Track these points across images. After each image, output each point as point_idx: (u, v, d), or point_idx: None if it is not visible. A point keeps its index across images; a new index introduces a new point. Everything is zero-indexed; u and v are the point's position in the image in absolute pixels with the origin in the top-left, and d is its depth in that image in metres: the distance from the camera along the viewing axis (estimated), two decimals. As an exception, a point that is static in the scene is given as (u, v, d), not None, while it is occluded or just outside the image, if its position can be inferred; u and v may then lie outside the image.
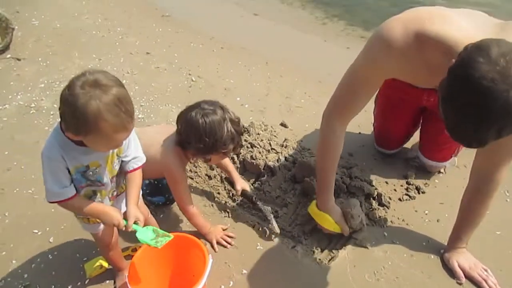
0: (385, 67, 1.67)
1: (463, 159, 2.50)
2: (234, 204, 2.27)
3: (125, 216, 1.51)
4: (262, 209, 2.11)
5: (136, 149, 1.58)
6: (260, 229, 2.10)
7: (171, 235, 1.58)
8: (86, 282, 1.85)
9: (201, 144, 1.80)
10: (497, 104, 1.14)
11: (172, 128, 1.95)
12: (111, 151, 1.45)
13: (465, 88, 1.19)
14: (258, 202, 2.13)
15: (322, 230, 2.05)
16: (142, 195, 1.99)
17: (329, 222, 1.98)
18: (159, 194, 2.16)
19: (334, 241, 2.07)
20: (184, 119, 1.84)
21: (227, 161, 2.23)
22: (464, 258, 1.91)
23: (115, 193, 1.61)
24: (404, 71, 1.67)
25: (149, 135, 1.95)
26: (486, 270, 1.89)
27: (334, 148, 1.93)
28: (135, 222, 1.49)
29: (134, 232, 1.50)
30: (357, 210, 2.01)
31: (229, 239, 2.03)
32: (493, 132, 1.21)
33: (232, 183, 2.27)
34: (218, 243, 2.02)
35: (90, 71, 1.26)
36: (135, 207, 1.53)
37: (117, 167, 1.52)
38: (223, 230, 2.08)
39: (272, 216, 2.09)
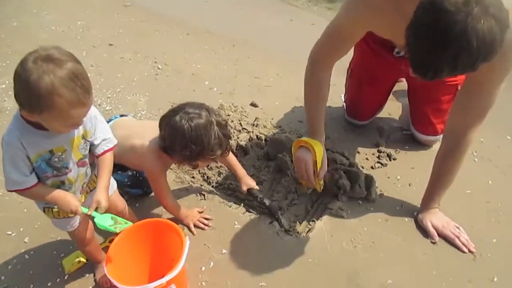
0: (362, 21, 1.70)
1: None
2: (209, 186, 2.27)
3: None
4: (270, 207, 2.06)
5: (105, 131, 1.52)
6: (231, 206, 2.12)
7: (129, 222, 1.58)
8: (66, 278, 1.82)
9: (187, 151, 1.71)
10: (454, 28, 1.13)
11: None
12: (76, 133, 1.40)
13: (428, 11, 1.19)
14: (265, 201, 2.07)
15: (298, 169, 1.96)
16: (121, 186, 2.01)
17: (320, 150, 1.89)
18: (138, 187, 2.13)
19: (311, 213, 2.10)
20: (168, 124, 1.73)
21: (231, 158, 2.09)
22: (437, 218, 1.96)
23: (85, 185, 1.57)
24: (381, 25, 1.71)
25: (135, 127, 1.95)
26: (458, 228, 1.95)
27: (320, 92, 1.94)
28: (96, 209, 1.45)
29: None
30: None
31: (206, 221, 2.03)
32: (448, 59, 1.19)
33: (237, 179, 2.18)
34: (195, 226, 2.01)
35: (43, 47, 1.19)
36: (102, 191, 1.48)
37: (83, 151, 1.46)
38: (200, 213, 2.08)
39: (279, 213, 2.05)
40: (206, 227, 2.02)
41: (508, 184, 2.27)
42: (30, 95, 1.15)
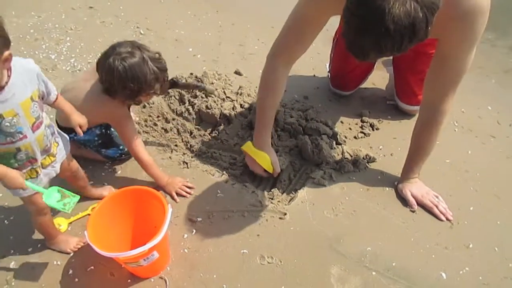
0: (325, 5, 1.66)
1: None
2: (193, 155, 2.26)
3: None
4: (188, 84, 2.21)
5: (51, 85, 1.53)
6: (214, 175, 2.11)
7: (77, 196, 1.56)
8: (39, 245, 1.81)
9: (127, 90, 1.77)
10: (373, 14, 1.16)
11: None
12: (23, 96, 1.35)
13: None
14: (178, 80, 2.19)
15: (252, 168, 2.08)
16: (95, 147, 2.06)
17: (265, 160, 2.00)
18: (113, 145, 2.11)
19: (293, 182, 2.12)
20: (103, 68, 1.76)
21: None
22: (416, 187, 2.00)
23: (47, 146, 1.54)
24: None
25: (80, 85, 1.90)
26: (437, 197, 1.99)
27: (275, 88, 1.93)
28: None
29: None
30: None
31: (188, 189, 2.03)
32: (370, 42, 1.23)
33: None
34: (178, 194, 2.01)
35: None
36: (74, 114, 1.65)
37: (35, 114, 1.42)
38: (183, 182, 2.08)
39: (200, 83, 2.18)
40: (188, 195, 2.02)
41: (487, 154, 2.32)
42: None
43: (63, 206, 1.50)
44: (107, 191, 2.01)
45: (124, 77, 1.72)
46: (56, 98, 1.58)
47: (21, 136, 1.39)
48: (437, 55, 1.72)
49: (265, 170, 2.04)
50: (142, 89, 1.79)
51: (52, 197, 1.51)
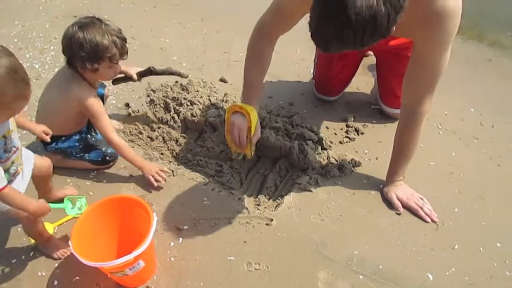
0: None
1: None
2: (178, 163, 2.26)
3: None
4: (164, 70, 2.32)
5: None
6: (200, 182, 2.11)
7: (83, 196, 1.83)
8: (31, 254, 1.79)
9: (83, 52, 1.80)
10: (336, 4, 1.19)
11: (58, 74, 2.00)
12: None
13: None
14: (155, 68, 2.30)
15: (231, 131, 1.86)
16: (77, 154, 2.09)
17: (254, 116, 1.84)
18: (94, 148, 2.12)
19: (279, 188, 2.12)
20: (64, 38, 1.84)
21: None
22: (401, 190, 2.01)
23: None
24: None
25: (45, 93, 2.02)
26: (422, 199, 2.01)
27: (262, 57, 1.94)
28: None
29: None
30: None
31: (164, 175, 2.06)
32: (332, 32, 1.25)
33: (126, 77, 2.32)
34: (155, 179, 2.04)
35: None
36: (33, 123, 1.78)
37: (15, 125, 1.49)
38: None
39: (173, 69, 2.33)
40: (163, 181, 2.05)
41: (471, 156, 2.34)
42: None
43: (80, 211, 1.74)
44: (70, 190, 2.01)
45: (82, 38, 1.79)
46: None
47: (14, 149, 1.42)
48: (412, 57, 1.76)
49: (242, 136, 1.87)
50: (99, 51, 1.82)
51: (69, 208, 1.76)
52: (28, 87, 1.30)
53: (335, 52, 1.37)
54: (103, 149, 2.12)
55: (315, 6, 1.27)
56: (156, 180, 2.04)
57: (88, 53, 1.81)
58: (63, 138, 2.06)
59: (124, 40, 1.95)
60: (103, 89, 2.25)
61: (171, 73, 2.35)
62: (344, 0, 1.16)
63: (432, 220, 1.94)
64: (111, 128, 1.99)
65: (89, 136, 2.16)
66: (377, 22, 1.20)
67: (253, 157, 2.08)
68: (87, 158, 2.11)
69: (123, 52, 1.94)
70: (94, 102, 1.94)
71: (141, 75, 2.31)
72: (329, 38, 1.29)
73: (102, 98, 2.22)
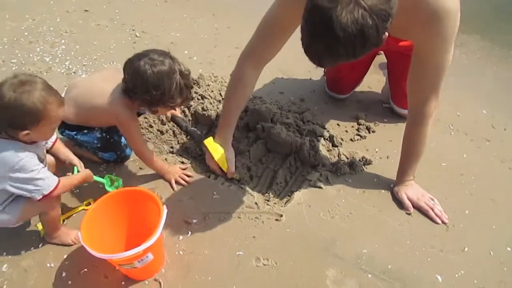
0: (295, 11, 1.65)
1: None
2: (188, 156, 2.25)
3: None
4: (189, 132, 2.33)
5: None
6: (210, 176, 2.11)
7: (120, 178, 1.97)
8: (40, 246, 1.80)
9: (148, 96, 1.77)
10: (321, 22, 1.21)
11: (119, 74, 1.86)
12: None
13: (307, 5, 1.26)
14: (187, 127, 2.33)
15: (208, 163, 2.08)
16: (92, 148, 2.07)
17: (221, 157, 2.00)
18: (111, 150, 2.10)
19: (290, 184, 2.11)
20: (131, 68, 1.77)
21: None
22: (412, 190, 2.00)
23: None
24: None
25: (95, 82, 1.94)
26: (432, 199, 1.99)
27: (242, 89, 1.97)
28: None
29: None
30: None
31: (187, 178, 2.06)
32: (322, 49, 1.28)
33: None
34: (177, 182, 2.04)
35: (6, 79, 1.44)
36: (71, 154, 1.86)
37: None
38: (183, 169, 2.11)
39: (197, 132, 2.32)
40: (186, 184, 2.05)
41: (482, 158, 2.32)
42: (26, 113, 1.42)
43: (115, 188, 1.93)
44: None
45: (150, 81, 1.73)
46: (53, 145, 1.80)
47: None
48: (413, 58, 1.76)
49: (219, 168, 2.05)
50: (163, 99, 1.79)
51: (108, 184, 1.95)
52: (61, 96, 1.54)
53: (330, 66, 1.38)
54: (118, 152, 2.11)
55: (304, 25, 1.30)
56: (177, 183, 2.04)
57: (151, 97, 1.77)
58: (86, 131, 2.01)
59: (191, 87, 1.91)
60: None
61: (188, 133, 2.37)
62: (330, 18, 1.18)
63: (442, 221, 1.92)
64: (142, 142, 1.98)
65: (108, 136, 2.09)
66: (366, 34, 1.21)
67: (238, 178, 2.12)
68: (100, 155, 2.10)
69: (185, 101, 1.94)
70: (131, 123, 1.91)
71: (173, 120, 2.38)
72: (321, 55, 1.32)
73: None
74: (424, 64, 1.72)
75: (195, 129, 2.31)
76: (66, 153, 1.84)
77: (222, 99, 2.50)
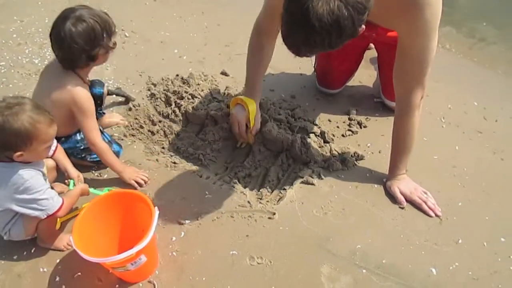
0: None
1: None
2: (180, 156, 2.24)
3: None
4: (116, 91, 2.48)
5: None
6: (202, 176, 2.09)
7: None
8: (32, 251, 1.78)
9: (82, 47, 1.75)
10: (299, 12, 1.27)
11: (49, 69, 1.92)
12: None
13: None
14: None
15: (232, 122, 2.13)
16: (79, 154, 2.06)
17: (253, 110, 2.06)
18: None
19: (282, 181, 2.11)
20: (56, 40, 1.76)
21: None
22: (404, 184, 2.00)
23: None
24: None
25: (38, 92, 1.95)
26: (425, 193, 2.00)
27: (260, 56, 2.08)
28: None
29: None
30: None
31: (145, 178, 2.04)
32: (299, 39, 1.33)
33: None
34: (136, 182, 2.02)
35: None
36: (73, 168, 1.87)
37: None
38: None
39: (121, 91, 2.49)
40: (144, 184, 2.03)
41: (474, 149, 2.33)
42: (17, 135, 1.44)
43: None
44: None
45: (76, 33, 1.72)
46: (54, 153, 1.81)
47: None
48: (398, 48, 1.78)
49: (246, 124, 2.08)
50: (96, 40, 1.77)
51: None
52: (51, 115, 1.55)
53: (307, 56, 1.46)
54: None
55: (283, 14, 1.35)
56: (139, 184, 2.03)
57: (86, 44, 1.76)
58: (63, 139, 1.99)
59: (113, 24, 1.89)
60: (102, 88, 2.21)
61: (119, 94, 2.51)
62: (307, 8, 1.24)
63: (436, 214, 1.93)
64: (97, 131, 1.93)
65: None
66: (341, 25, 1.27)
67: (255, 144, 2.22)
68: (89, 159, 2.08)
69: (113, 36, 1.89)
70: (86, 99, 1.87)
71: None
72: (298, 44, 1.38)
73: (101, 97, 2.20)
74: (407, 53, 1.74)
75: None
76: (65, 164, 1.86)
77: (213, 98, 2.49)
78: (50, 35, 1.78)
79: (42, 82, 1.96)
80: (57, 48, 1.79)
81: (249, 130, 2.07)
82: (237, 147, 2.29)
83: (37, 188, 1.55)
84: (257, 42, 2.06)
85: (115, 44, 1.89)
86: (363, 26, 1.35)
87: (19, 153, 1.49)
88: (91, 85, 2.15)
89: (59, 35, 1.73)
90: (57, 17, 1.78)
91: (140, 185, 2.02)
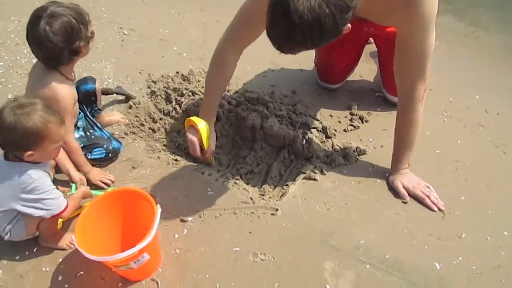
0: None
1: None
2: (181, 154, 2.23)
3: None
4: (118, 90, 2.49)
5: None
6: (204, 173, 2.09)
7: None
8: (35, 250, 1.78)
9: (62, 43, 1.72)
10: (280, 9, 1.28)
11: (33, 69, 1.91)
12: None
13: None
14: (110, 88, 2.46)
15: (189, 143, 1.98)
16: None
17: (205, 130, 1.95)
18: (96, 146, 2.08)
19: (284, 177, 2.10)
20: (34, 42, 1.73)
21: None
22: (407, 179, 1.99)
23: None
24: None
25: (28, 89, 1.93)
26: (428, 187, 1.99)
27: (221, 71, 1.98)
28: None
29: None
30: None
31: (110, 180, 2.03)
32: (281, 35, 1.35)
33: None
34: (102, 182, 2.02)
35: (6, 103, 1.49)
36: (76, 172, 1.92)
37: None
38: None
39: (122, 89, 2.51)
40: (111, 184, 2.02)
41: (476, 143, 2.32)
42: (28, 134, 1.46)
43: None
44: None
45: (53, 31, 1.69)
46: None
47: None
48: (397, 42, 1.78)
49: (199, 145, 1.99)
50: (74, 35, 1.74)
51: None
52: (61, 116, 1.58)
53: (291, 53, 1.44)
54: (105, 146, 2.09)
55: (268, 9, 1.35)
56: (106, 184, 2.02)
57: (66, 40, 1.73)
58: None
59: (86, 14, 1.85)
60: (94, 83, 2.20)
61: (119, 93, 2.51)
62: (288, 5, 1.25)
63: (439, 209, 1.92)
64: (71, 130, 1.93)
65: (88, 133, 2.11)
66: (322, 23, 1.27)
67: (213, 163, 2.19)
68: (90, 157, 2.06)
69: (88, 27, 1.85)
70: (65, 97, 1.84)
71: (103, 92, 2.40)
72: (280, 40, 1.39)
73: (94, 93, 2.18)
74: (406, 47, 1.74)
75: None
76: (67, 167, 1.89)
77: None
78: (27, 38, 1.75)
79: (29, 81, 1.94)
80: (37, 50, 1.77)
81: (204, 152, 2.02)
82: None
83: (45, 188, 1.56)
84: (222, 57, 1.96)
85: (93, 33, 1.87)
86: (349, 26, 1.35)
87: (29, 152, 1.50)
88: (83, 81, 2.15)
89: (36, 38, 1.71)
90: (29, 19, 1.74)
91: (107, 184, 2.01)
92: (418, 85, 1.80)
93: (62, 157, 1.86)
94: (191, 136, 1.95)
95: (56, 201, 1.60)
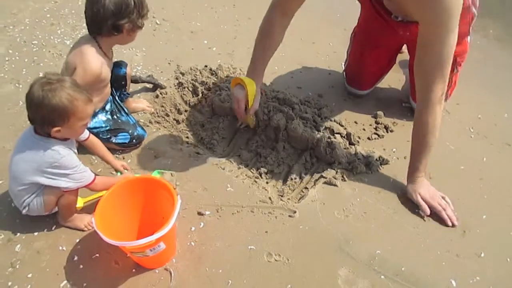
0: None
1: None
2: (203, 147, 2.24)
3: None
4: (149, 79, 2.52)
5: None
6: (224, 169, 2.09)
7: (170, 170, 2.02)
8: (53, 228, 1.81)
9: (111, 19, 1.83)
10: None
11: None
12: None
13: None
14: (141, 77, 2.51)
15: (234, 99, 2.07)
16: (103, 134, 2.09)
17: (253, 90, 2.02)
18: (121, 131, 2.10)
19: (304, 180, 2.09)
20: (89, 2, 1.85)
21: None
22: (424, 189, 1.95)
23: None
24: None
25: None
26: (444, 198, 1.96)
27: (269, 34, 2.04)
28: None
29: None
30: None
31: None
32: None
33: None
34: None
35: (37, 79, 1.52)
36: (115, 161, 1.98)
37: None
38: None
39: (153, 79, 2.54)
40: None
41: (502, 162, 2.27)
42: (54, 110, 1.49)
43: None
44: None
45: (108, 8, 1.80)
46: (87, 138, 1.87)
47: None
48: (418, 42, 1.75)
49: (245, 103, 2.06)
50: (126, 13, 1.84)
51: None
52: (89, 94, 1.60)
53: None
54: (130, 131, 2.11)
55: None
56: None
57: (115, 15, 1.83)
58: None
59: (142, 2, 1.94)
60: (125, 68, 2.23)
61: (150, 82, 2.55)
62: None
63: (453, 224, 1.88)
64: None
65: (115, 117, 2.13)
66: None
67: (256, 127, 2.27)
68: (114, 141, 2.09)
69: (144, 16, 1.96)
70: (94, 62, 1.89)
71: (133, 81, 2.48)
72: None
73: (125, 78, 2.21)
74: (427, 46, 1.72)
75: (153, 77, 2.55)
76: (107, 158, 1.95)
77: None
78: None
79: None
80: (89, 8, 1.86)
81: (248, 110, 2.07)
82: (237, 126, 2.34)
83: (73, 164, 1.61)
84: (269, 21, 2.02)
85: (143, 25, 1.95)
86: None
87: (57, 128, 1.53)
88: (115, 65, 2.17)
89: None
90: None
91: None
92: (437, 85, 1.76)
93: (101, 148, 1.92)
94: (237, 93, 2.02)
95: (83, 174, 1.65)
